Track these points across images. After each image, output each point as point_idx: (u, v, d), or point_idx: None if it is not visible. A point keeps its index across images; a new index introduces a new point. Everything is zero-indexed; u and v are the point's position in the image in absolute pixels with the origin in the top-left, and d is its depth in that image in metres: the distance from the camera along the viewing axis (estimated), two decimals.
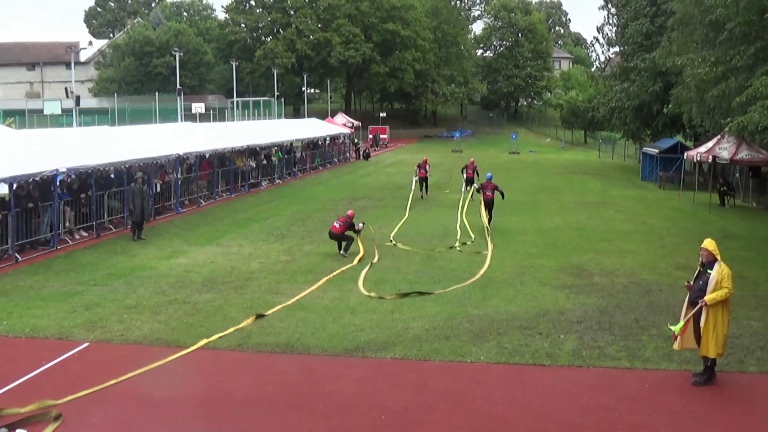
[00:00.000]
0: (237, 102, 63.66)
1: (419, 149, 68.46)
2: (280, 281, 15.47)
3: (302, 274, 16.09)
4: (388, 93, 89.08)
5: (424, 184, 30.89)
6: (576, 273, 16.40)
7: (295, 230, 22.11)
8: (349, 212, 19.10)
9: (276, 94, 67.32)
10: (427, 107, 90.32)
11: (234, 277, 15.88)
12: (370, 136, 69.39)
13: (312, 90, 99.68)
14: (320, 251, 18.80)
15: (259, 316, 11.80)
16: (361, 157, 54.61)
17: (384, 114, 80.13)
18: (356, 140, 57.23)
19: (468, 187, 28.40)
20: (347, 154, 54.12)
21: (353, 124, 65.31)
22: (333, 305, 13.57)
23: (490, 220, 22.35)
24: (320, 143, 48.01)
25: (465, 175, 30.99)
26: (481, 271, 15.41)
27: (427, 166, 31.30)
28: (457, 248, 18.86)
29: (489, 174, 24.55)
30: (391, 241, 19.69)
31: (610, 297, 14.25)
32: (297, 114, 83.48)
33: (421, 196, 29.94)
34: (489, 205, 23.03)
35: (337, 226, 18.46)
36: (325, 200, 29.65)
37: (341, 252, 18.24)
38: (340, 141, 53.09)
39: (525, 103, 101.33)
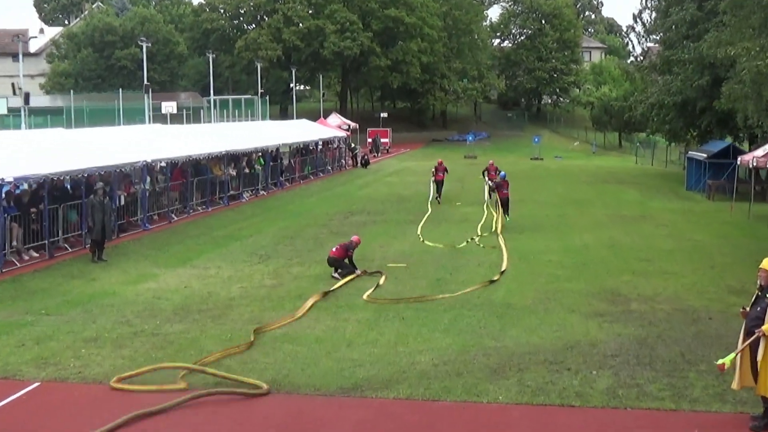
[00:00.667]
0: (214, 101, 63.99)
1: (426, 155, 68.65)
2: (265, 309, 15.54)
3: (291, 301, 16.15)
4: (390, 90, 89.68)
5: (440, 188, 34.26)
6: (610, 298, 16.52)
7: (282, 250, 22.27)
8: (354, 238, 19.32)
9: (260, 91, 67.73)
10: (436, 106, 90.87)
11: (211, 304, 15.96)
12: (369, 140, 69.90)
13: (302, 87, 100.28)
14: (311, 274, 18.91)
15: (258, 331, 12.71)
16: (359, 164, 55.09)
17: (385, 114, 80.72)
18: (353, 145, 57.63)
19: (493, 194, 30.07)
20: (342, 161, 54.54)
21: (349, 126, 65.77)
22: (326, 336, 13.60)
23: (507, 213, 27.54)
24: (311, 148, 48.27)
25: (487, 177, 33.44)
26: (503, 266, 17.96)
27: (444, 170, 34.67)
28: (477, 243, 22.84)
29: (503, 172, 29.56)
30: (420, 237, 23.90)
31: (650, 326, 14.31)
32: (284, 115, 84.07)
33: (438, 200, 33.51)
34: (505, 204, 27.69)
35: (335, 250, 18.75)
36: (317, 215, 29.83)
37: (335, 274, 18.36)
38: (335, 146, 53.47)
39: (549, 101, 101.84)
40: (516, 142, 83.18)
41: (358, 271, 18.57)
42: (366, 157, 56.38)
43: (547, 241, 24.04)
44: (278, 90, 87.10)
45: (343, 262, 18.52)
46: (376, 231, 25.68)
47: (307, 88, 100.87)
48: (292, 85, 77.10)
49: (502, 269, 19.17)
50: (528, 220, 28.56)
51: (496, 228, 25.69)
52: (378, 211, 31.11)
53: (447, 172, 35.22)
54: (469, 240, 23.70)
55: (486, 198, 31.90)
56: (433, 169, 34.98)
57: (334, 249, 18.70)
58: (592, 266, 19.95)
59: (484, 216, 28.57)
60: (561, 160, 67.48)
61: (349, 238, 19.45)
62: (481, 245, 22.82)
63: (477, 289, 16.92)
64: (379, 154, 67.16)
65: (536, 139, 71.09)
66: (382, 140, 70.90)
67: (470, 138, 73.04)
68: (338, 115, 69.93)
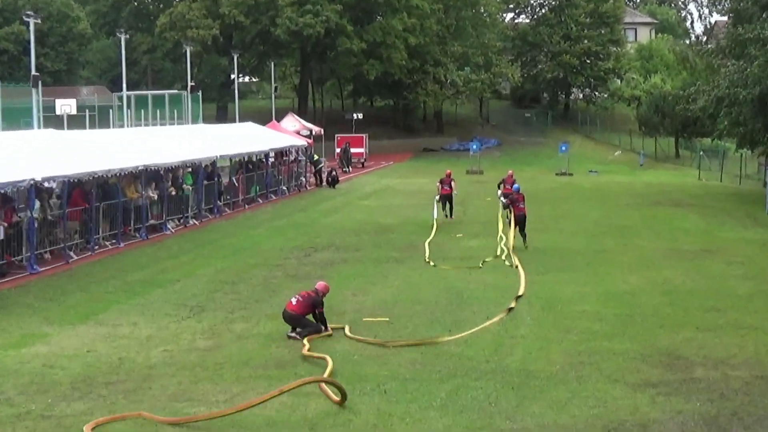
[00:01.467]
0: (128, 97, 64.05)
1: (416, 169, 69.02)
2: (198, 380, 15.48)
3: (232, 369, 16.11)
4: (366, 83, 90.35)
5: (448, 203, 37.92)
6: (666, 363, 16.59)
7: (220, 300, 22.28)
8: (320, 285, 19.31)
9: (190, 84, 67.76)
10: (427, 104, 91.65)
11: (123, 374, 15.86)
12: (338, 149, 69.88)
13: (246, 78, 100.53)
14: (261, 332, 18.90)
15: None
16: (324, 182, 55.49)
17: (359, 115, 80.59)
18: (316, 157, 57.55)
19: (507, 209, 32.42)
20: (302, 178, 54.86)
21: (312, 131, 65.76)
22: (282, 419, 13.52)
23: (524, 239, 29.95)
24: (260, 162, 48.24)
25: (501, 191, 35.74)
26: (520, 290, 20.27)
27: (452, 182, 38.05)
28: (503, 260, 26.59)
29: (516, 185, 32.23)
30: (428, 261, 27.54)
31: (722, 400, 14.35)
32: (223, 116, 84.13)
33: (446, 215, 37.41)
34: (522, 222, 30.15)
35: (294, 302, 18.70)
36: (267, 252, 29.92)
37: (292, 333, 18.36)
38: (292, 158, 53.72)
39: (581, 95, 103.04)
40: (536, 152, 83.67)
41: (329, 331, 18.57)
42: (334, 173, 56.61)
43: (580, 284, 24.18)
44: (215, 83, 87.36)
45: (304, 320, 18.49)
46: (348, 273, 25.72)
47: (254, 80, 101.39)
48: (233, 76, 77.20)
49: (519, 293, 21.17)
50: (553, 256, 28.78)
51: (503, 251, 28.59)
52: (350, 245, 31.29)
53: (456, 183, 38.50)
54: (482, 263, 27.08)
55: (499, 216, 33.61)
56: (439, 183, 38.07)
57: (293, 301, 18.64)
58: (640, 319, 20.03)
59: (500, 229, 31.57)
60: (597, 175, 67.98)
61: (314, 286, 19.42)
62: (506, 262, 27.06)
63: (492, 324, 18.70)
64: (351, 169, 67.52)
65: (563, 148, 70.88)
66: (355, 150, 71.34)
67: (475, 147, 72.69)
68: (296, 116, 69.83)
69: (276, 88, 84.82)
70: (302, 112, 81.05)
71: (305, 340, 17.67)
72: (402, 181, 58.78)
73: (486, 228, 34.49)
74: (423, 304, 21.71)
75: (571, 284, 24.09)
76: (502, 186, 36.59)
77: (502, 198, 33.67)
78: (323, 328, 18.58)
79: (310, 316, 18.69)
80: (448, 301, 22.03)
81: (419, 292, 23.12)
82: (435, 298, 22.41)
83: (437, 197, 37.30)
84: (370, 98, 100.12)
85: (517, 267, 26.19)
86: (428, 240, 31.91)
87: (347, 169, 66.54)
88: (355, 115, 79.25)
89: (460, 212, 40.14)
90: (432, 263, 27.26)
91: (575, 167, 70.00)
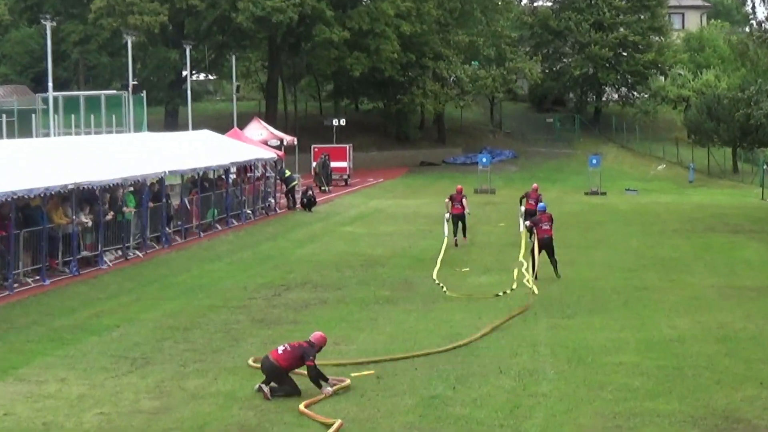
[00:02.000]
0: (55, 99, 63.76)
1: (411, 188, 69.39)
2: None
3: None
4: (350, 81, 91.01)
5: (461, 223, 39.88)
6: (723, 427, 16.52)
7: (169, 350, 22.20)
8: (316, 336, 19.03)
9: (131, 83, 67.58)
10: (426, 108, 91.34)
11: None
12: (315, 163, 69.68)
13: (202, 76, 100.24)
14: (219, 390, 18.85)
15: None
16: (298, 204, 55.47)
17: (342, 122, 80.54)
18: (288, 173, 57.25)
19: (530, 235, 33.45)
20: (271, 199, 54.85)
21: (283, 141, 65.45)
22: None
23: (555, 266, 31.64)
24: (219, 179, 48.32)
25: (524, 208, 38.76)
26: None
27: (464, 199, 40.01)
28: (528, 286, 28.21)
29: (542, 204, 33.94)
30: (437, 282, 30.07)
31: None
32: (173, 122, 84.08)
33: (456, 243, 39.07)
34: (548, 246, 31.62)
35: (281, 351, 18.60)
36: (228, 290, 29.99)
37: (265, 387, 18.29)
38: (258, 174, 53.75)
39: (615, 96, 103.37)
40: (560, 166, 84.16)
41: (323, 394, 18.35)
42: (310, 192, 56.52)
43: (615, 330, 24.19)
44: (163, 82, 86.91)
45: (287, 377, 18.40)
46: (328, 317, 25.72)
47: (212, 78, 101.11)
48: (185, 73, 76.94)
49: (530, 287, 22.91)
50: (583, 294, 29.00)
51: (521, 279, 30.38)
52: (330, 283, 31.39)
53: (467, 200, 40.59)
54: (504, 292, 28.62)
55: (521, 229, 35.69)
56: (448, 199, 40.17)
57: (279, 349, 18.57)
58: (690, 373, 20.00)
59: (521, 254, 33.02)
60: (636, 194, 68.34)
61: (308, 336, 19.18)
62: (533, 289, 28.81)
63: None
64: (331, 188, 67.67)
65: (594, 161, 71.25)
66: (336, 165, 71.61)
67: (484, 160, 72.58)
68: (263, 123, 69.43)
69: (238, 87, 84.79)
70: (271, 118, 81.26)
71: (303, 405, 17.48)
72: (394, 203, 59.06)
73: (498, 260, 34.92)
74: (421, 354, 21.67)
75: (605, 330, 24.10)
76: (524, 201, 39.07)
77: (524, 222, 34.78)
78: (324, 385, 18.41)
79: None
80: (451, 352, 21.99)
81: (416, 340, 23.05)
82: (436, 347, 22.31)
83: (447, 216, 39.31)
84: (354, 100, 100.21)
85: (533, 292, 28.72)
86: (439, 258, 34.31)
87: (326, 188, 66.68)
88: (336, 122, 79.28)
89: (467, 242, 40.55)
90: (442, 286, 29.49)
91: (609, 185, 70.20)
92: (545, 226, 31.56)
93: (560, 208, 51.21)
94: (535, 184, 42.19)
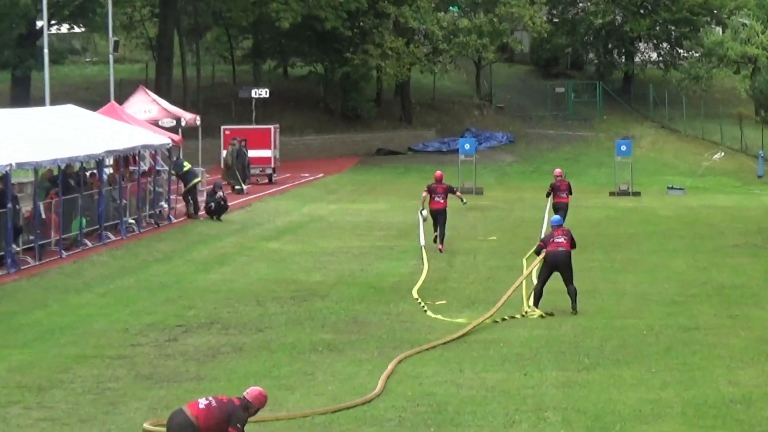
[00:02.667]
0: None
1: (364, 186, 69.72)
2: None
3: None
4: (276, 35, 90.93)
5: (439, 222, 41.06)
6: None
7: (17, 420, 21.32)
8: (252, 393, 18.27)
9: None
10: (385, 73, 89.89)
11: None
12: (227, 152, 68.24)
13: (64, 28, 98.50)
14: None
15: None
16: (202, 211, 54.34)
17: (264, 93, 79.11)
18: (188, 166, 55.76)
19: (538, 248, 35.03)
20: (164, 203, 54.01)
21: (180, 120, 64.69)
22: None
23: (573, 298, 31.17)
24: (85, 174, 46.94)
25: (551, 201, 41.26)
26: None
27: (452, 191, 41.74)
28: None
29: (557, 218, 34.50)
30: (417, 300, 31.97)
31: None
32: (24, 94, 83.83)
33: (439, 248, 40.71)
34: (563, 266, 31.37)
35: (202, 406, 17.78)
36: (101, 333, 29.42)
37: None
38: (145, 168, 53.27)
39: (653, 56, 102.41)
40: (576, 155, 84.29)
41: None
42: (220, 194, 54.75)
43: (654, 387, 23.69)
44: (8, 36, 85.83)
45: None
46: (245, 371, 25.20)
47: (78, 30, 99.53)
48: (40, 23, 76.24)
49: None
50: (608, 336, 28.43)
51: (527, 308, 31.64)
52: (248, 322, 30.66)
53: (449, 193, 42.00)
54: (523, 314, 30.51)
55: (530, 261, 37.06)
56: (427, 191, 41.70)
57: (200, 403, 17.80)
58: None
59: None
60: (683, 194, 67.69)
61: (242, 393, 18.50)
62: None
63: None
64: (246, 187, 65.93)
65: (624, 147, 70.35)
66: (257, 154, 70.33)
67: (468, 147, 71.12)
68: (152, 94, 69.41)
69: (117, 44, 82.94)
70: (163, 87, 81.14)
71: None
72: (340, 208, 58.54)
73: (487, 289, 34.44)
74: (377, 425, 21.09)
75: (639, 387, 23.52)
76: (551, 198, 40.66)
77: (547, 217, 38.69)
78: None
79: None
80: (421, 419, 21.39)
81: (370, 405, 22.39)
82: (399, 413, 21.76)
83: (422, 212, 41.21)
84: (282, 63, 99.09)
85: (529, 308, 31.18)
86: (422, 276, 35.96)
87: (242, 188, 65.08)
88: (256, 93, 78.24)
89: (444, 264, 39.83)
90: (422, 304, 31.49)
91: (645, 180, 70.59)
92: (559, 239, 31.64)
93: (577, 215, 51.31)
94: (558, 169, 43.51)
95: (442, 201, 40.47)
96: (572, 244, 31.87)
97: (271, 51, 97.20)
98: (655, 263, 40.81)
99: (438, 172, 43.04)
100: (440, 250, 40.47)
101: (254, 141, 70.25)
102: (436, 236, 40.53)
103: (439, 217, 40.65)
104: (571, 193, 43.57)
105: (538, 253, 32.39)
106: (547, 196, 43.06)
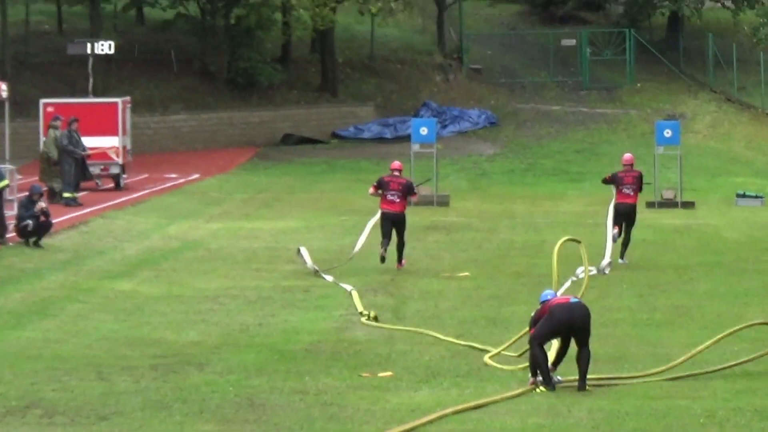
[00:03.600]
0: None
1: (266, 198, 61.57)
2: None
3: None
4: None
5: (395, 231, 36.70)
6: None
7: None
8: None
9: None
10: (295, 18, 79.18)
11: None
12: (46, 139, 58.66)
13: None
14: None
15: None
16: (8, 233, 47.15)
17: (107, 46, 68.03)
18: None
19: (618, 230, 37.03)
20: None
21: None
22: None
23: (585, 368, 24.46)
24: None
25: (617, 195, 38.83)
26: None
27: (404, 190, 37.23)
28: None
29: (548, 292, 25.81)
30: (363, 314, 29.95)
31: None
32: None
33: (383, 257, 36.71)
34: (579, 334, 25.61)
35: None
36: None
37: None
38: None
39: None
40: (593, 144, 75.85)
41: None
42: (40, 206, 46.31)
43: None
44: None
45: None
46: None
47: None
48: None
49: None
50: (645, 427, 21.67)
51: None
52: (84, 407, 23.49)
53: (411, 194, 38.69)
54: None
55: (608, 238, 37.55)
56: (375, 187, 37.42)
57: None
58: None
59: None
60: (761, 205, 60.01)
61: None
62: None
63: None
64: (79, 197, 56.32)
65: (669, 132, 62.01)
66: (95, 142, 59.78)
67: (426, 131, 62.07)
68: None
69: None
70: None
71: None
72: (226, 228, 49.86)
73: (456, 354, 27.82)
74: None
75: None
76: (619, 186, 38.45)
77: (614, 221, 38.04)
78: None
79: None
80: None
81: None
82: None
83: (373, 220, 37.51)
84: (137, 5, 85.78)
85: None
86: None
87: (73, 195, 55.32)
88: (95, 48, 67.22)
89: (389, 312, 33.17)
90: (364, 315, 29.49)
91: (701, 184, 64.72)
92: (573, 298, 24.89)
93: (594, 240, 42.79)
94: (628, 154, 41.72)
95: (397, 201, 35.53)
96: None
97: None
98: (719, 314, 32.58)
99: (396, 162, 38.27)
100: (398, 267, 36.47)
101: (91, 123, 58.72)
102: (384, 252, 35.42)
103: (394, 226, 35.51)
104: (641, 190, 39.32)
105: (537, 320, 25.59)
106: (604, 182, 39.88)
